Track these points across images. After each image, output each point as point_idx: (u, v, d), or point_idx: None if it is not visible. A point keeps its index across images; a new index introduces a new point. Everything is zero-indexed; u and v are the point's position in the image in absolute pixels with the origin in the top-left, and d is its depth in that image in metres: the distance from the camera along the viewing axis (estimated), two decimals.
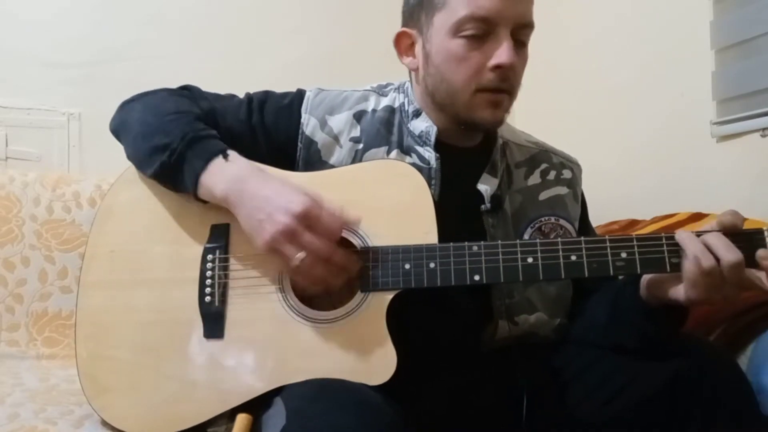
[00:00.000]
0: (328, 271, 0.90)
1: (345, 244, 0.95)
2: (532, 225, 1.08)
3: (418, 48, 1.05)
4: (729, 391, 0.89)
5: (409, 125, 1.07)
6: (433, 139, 1.04)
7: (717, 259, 0.83)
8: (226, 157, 0.96)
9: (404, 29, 1.07)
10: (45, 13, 1.92)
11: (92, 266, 1.03)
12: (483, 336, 1.05)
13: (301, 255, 0.87)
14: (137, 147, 1.03)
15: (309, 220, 0.88)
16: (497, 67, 0.97)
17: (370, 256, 0.93)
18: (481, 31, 0.98)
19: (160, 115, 1.01)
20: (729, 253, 0.82)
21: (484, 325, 1.05)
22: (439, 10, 1.00)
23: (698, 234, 0.86)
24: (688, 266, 0.84)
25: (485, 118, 1.01)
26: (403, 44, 1.08)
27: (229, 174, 0.95)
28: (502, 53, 0.97)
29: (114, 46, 1.97)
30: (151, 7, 2.02)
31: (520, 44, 1.00)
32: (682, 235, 0.86)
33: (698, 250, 0.84)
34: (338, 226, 0.90)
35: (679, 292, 0.87)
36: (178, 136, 0.97)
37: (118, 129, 1.09)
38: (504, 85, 0.99)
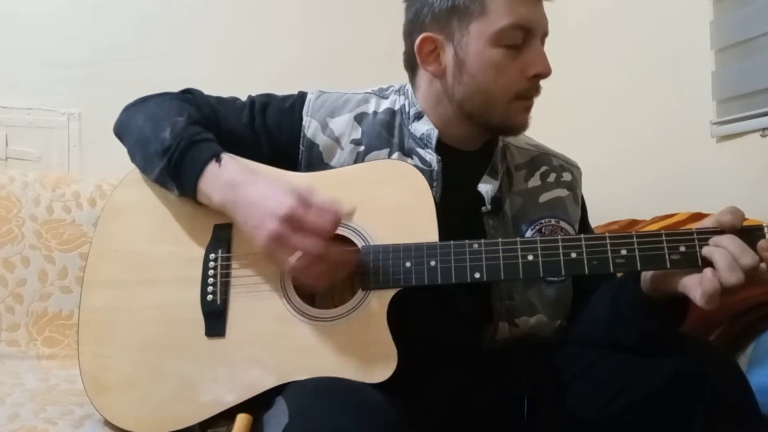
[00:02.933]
0: (326, 268, 0.89)
1: (346, 243, 0.95)
2: (532, 227, 1.09)
3: (446, 55, 1.03)
4: (729, 391, 0.89)
5: (410, 127, 1.07)
6: (434, 141, 1.04)
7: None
8: (219, 161, 0.96)
9: (429, 34, 1.03)
10: (45, 13, 1.92)
11: (96, 265, 1.03)
12: (483, 337, 1.05)
13: (294, 257, 0.87)
14: (138, 152, 1.04)
15: (296, 220, 0.87)
16: (536, 76, 1.01)
17: (371, 254, 0.93)
18: (520, 40, 1.00)
19: (159, 120, 1.02)
20: (746, 258, 0.82)
21: (484, 326, 1.05)
22: (476, 18, 0.99)
23: (701, 231, 0.86)
24: (708, 288, 0.82)
25: (522, 123, 1.04)
26: (425, 49, 1.04)
27: (222, 181, 0.95)
28: (541, 63, 1.01)
29: (114, 46, 1.97)
30: (151, 7, 2.02)
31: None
32: (715, 253, 0.84)
33: (732, 267, 0.81)
34: (330, 220, 0.88)
35: (685, 286, 0.86)
36: (174, 142, 0.97)
37: (120, 133, 1.09)
38: (537, 93, 1.03)
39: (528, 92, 1.02)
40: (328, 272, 0.90)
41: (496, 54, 0.99)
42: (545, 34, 1.03)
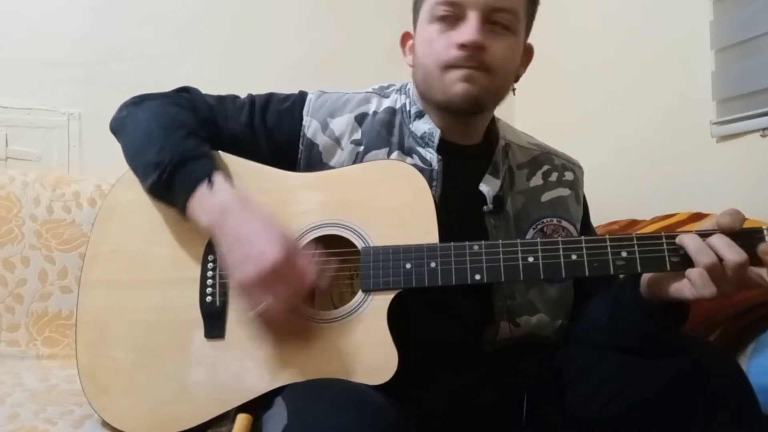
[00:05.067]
0: (284, 324, 0.90)
1: (346, 244, 0.95)
2: (534, 226, 1.09)
3: (413, 45, 1.09)
4: (729, 391, 0.89)
5: (410, 126, 1.07)
6: (436, 140, 1.05)
7: (720, 259, 0.83)
8: (211, 183, 0.94)
9: (408, 30, 1.11)
10: (45, 13, 1.92)
11: (93, 266, 1.03)
12: (484, 337, 1.05)
13: (261, 308, 0.87)
14: (131, 159, 1.04)
15: (278, 274, 0.86)
16: (462, 45, 0.99)
17: (371, 255, 0.93)
18: (450, 13, 1.00)
19: (154, 129, 1.01)
20: (732, 254, 0.82)
21: (486, 326, 1.05)
22: (422, 3, 1.05)
23: (699, 233, 0.86)
24: (696, 280, 0.83)
25: (457, 93, 1.00)
26: (406, 44, 1.12)
27: (211, 205, 0.94)
28: (466, 31, 0.99)
29: (114, 46, 1.97)
30: (151, 7, 2.02)
31: (499, 28, 1.01)
32: (684, 238, 0.86)
33: (701, 250, 0.84)
34: (308, 280, 0.88)
35: (679, 290, 0.87)
36: (167, 157, 0.96)
37: (115, 132, 1.09)
38: (472, 63, 1.00)
39: (457, 61, 0.99)
40: (288, 327, 0.91)
41: (431, 29, 1.03)
42: (496, 9, 1.00)
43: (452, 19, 1.01)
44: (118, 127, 1.08)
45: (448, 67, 1.00)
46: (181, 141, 0.99)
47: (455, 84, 1.00)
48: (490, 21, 1.00)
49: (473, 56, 0.99)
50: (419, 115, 1.07)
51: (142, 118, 1.04)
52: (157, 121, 1.02)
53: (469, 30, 0.99)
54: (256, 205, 0.94)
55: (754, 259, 0.83)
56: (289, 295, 0.87)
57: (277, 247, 0.87)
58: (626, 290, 0.97)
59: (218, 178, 0.96)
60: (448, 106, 1.03)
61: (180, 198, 0.96)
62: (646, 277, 0.93)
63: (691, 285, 0.84)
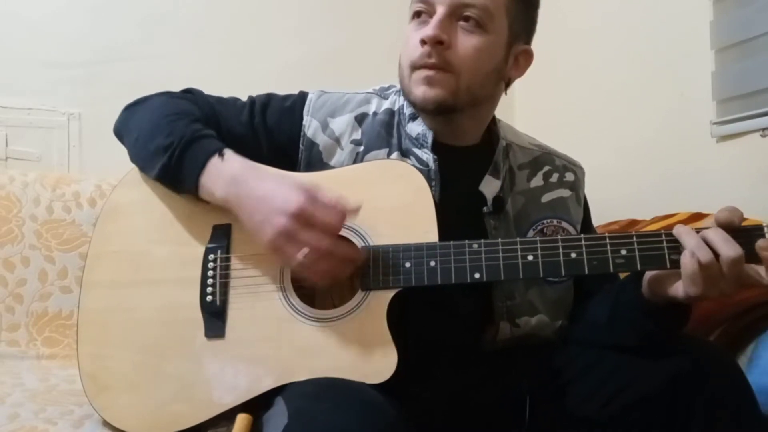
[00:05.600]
0: (333, 265, 0.89)
1: (346, 243, 0.95)
2: (534, 227, 1.09)
3: None
4: (729, 391, 0.89)
5: (406, 128, 1.07)
6: (430, 141, 1.04)
7: (716, 254, 0.83)
8: (222, 156, 0.96)
9: None
10: (45, 14, 1.92)
11: (95, 266, 1.03)
12: (484, 337, 1.05)
13: (302, 253, 0.87)
14: (138, 150, 1.04)
15: (305, 217, 0.88)
16: (423, 42, 0.98)
17: (370, 254, 0.93)
18: (423, 9, 1.01)
19: (160, 118, 1.02)
20: (728, 248, 0.82)
21: (486, 326, 1.05)
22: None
23: (698, 231, 0.86)
24: (685, 260, 0.84)
25: (417, 96, 1.01)
26: None
27: (225, 175, 0.94)
28: (426, 28, 0.98)
29: (114, 46, 1.97)
30: (151, 7, 2.02)
31: (473, 24, 0.99)
32: (680, 230, 0.86)
33: (695, 243, 0.84)
34: (337, 217, 0.89)
35: (678, 288, 0.87)
36: (176, 139, 0.97)
37: (120, 132, 1.10)
38: (431, 61, 0.99)
39: (420, 60, 0.99)
40: (334, 269, 0.90)
41: (409, 28, 1.04)
42: (459, 4, 0.98)
43: (426, 16, 1.01)
44: (122, 127, 1.09)
45: (415, 67, 1.01)
46: (188, 124, 1.00)
47: (418, 86, 1.01)
48: (460, 17, 0.99)
49: (434, 54, 0.98)
50: (413, 117, 1.07)
51: (148, 112, 1.05)
52: (163, 112, 1.03)
53: (430, 26, 0.98)
54: (268, 168, 0.96)
55: (753, 257, 0.83)
56: (322, 237, 0.87)
57: (296, 194, 0.88)
58: (627, 290, 0.97)
59: (228, 151, 0.97)
60: (414, 107, 1.04)
61: (191, 175, 0.96)
62: (647, 276, 0.93)
63: (685, 280, 0.84)
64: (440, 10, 0.99)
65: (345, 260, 0.90)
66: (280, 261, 0.93)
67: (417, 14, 1.02)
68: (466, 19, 0.99)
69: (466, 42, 0.99)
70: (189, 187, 0.97)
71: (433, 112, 1.02)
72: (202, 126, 1.01)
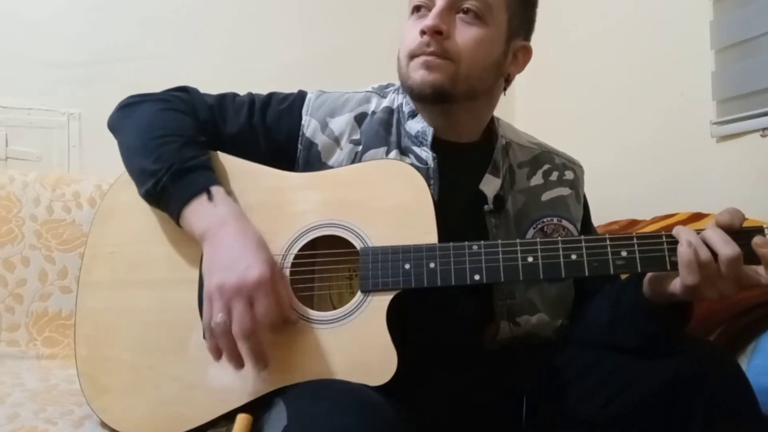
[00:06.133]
0: (232, 350, 0.87)
1: (345, 244, 0.95)
2: (534, 226, 1.09)
3: None
4: (729, 391, 0.89)
5: (405, 126, 1.07)
6: (429, 139, 1.04)
7: (714, 254, 0.83)
8: (210, 196, 0.94)
9: None
10: (45, 13, 1.92)
11: (92, 266, 1.03)
12: (484, 336, 1.05)
13: (218, 318, 0.86)
14: (127, 163, 1.03)
15: (254, 295, 0.86)
16: (422, 33, 1.00)
17: (369, 256, 0.93)
18: (421, 2, 1.03)
19: (149, 136, 1.00)
20: (726, 247, 0.82)
21: (486, 325, 1.05)
22: None
23: (698, 232, 0.86)
24: (681, 250, 0.84)
25: (416, 80, 1.01)
26: None
27: (210, 214, 0.93)
28: (425, 19, 1.00)
29: (114, 46, 1.97)
30: (151, 6, 2.02)
31: (472, 16, 1.01)
32: (679, 230, 0.86)
33: (693, 240, 0.84)
34: (278, 314, 0.88)
35: (676, 283, 0.87)
36: (164, 166, 0.95)
37: (113, 130, 1.09)
38: (430, 49, 1.00)
39: (419, 48, 1.01)
40: (233, 354, 0.88)
41: (408, 22, 1.05)
42: None
43: (425, 10, 1.02)
44: (115, 126, 1.09)
45: (413, 55, 1.02)
46: (178, 150, 0.98)
47: (416, 71, 1.01)
48: (460, 9, 1.01)
49: (433, 43, 1.00)
50: (413, 115, 1.07)
51: (139, 122, 1.04)
52: (154, 127, 1.01)
53: (430, 17, 1.00)
54: (253, 225, 0.94)
55: (752, 258, 0.83)
56: (250, 321, 0.86)
57: (267, 266, 0.88)
58: (628, 290, 0.97)
59: (217, 190, 0.95)
60: (412, 94, 1.05)
61: (175, 207, 0.95)
62: (647, 276, 0.93)
63: (682, 278, 0.84)
64: (440, 2, 1.01)
65: (254, 353, 0.88)
66: (206, 309, 0.90)
67: (416, 9, 1.04)
68: (466, 11, 1.01)
69: (465, 33, 1.01)
70: (172, 214, 0.97)
71: (431, 97, 1.02)
72: (195, 151, 0.99)
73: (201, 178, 0.96)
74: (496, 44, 1.04)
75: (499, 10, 1.02)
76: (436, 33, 0.99)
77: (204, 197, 0.94)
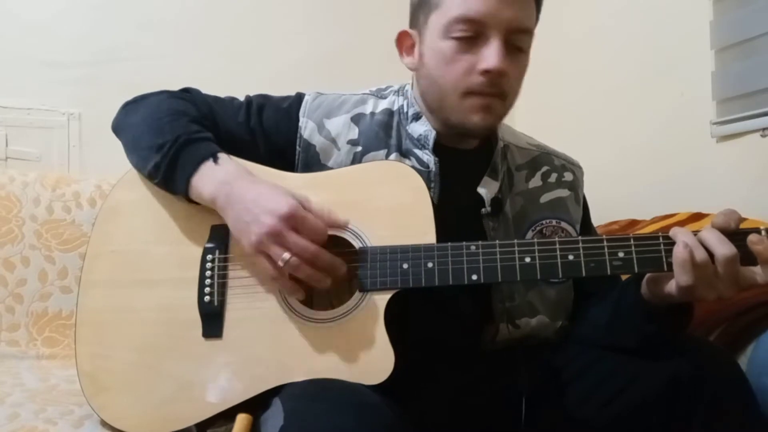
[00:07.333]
0: (313, 273, 0.89)
1: (343, 244, 0.95)
2: (533, 228, 1.08)
3: (416, 49, 1.05)
4: (729, 391, 0.89)
5: (407, 128, 1.07)
6: (431, 142, 1.04)
7: (711, 255, 0.82)
8: (216, 160, 0.96)
9: (406, 29, 1.07)
10: (45, 14, 1.92)
11: (93, 266, 1.03)
12: (483, 337, 1.05)
13: (286, 256, 0.87)
14: (133, 147, 1.04)
15: (294, 221, 0.88)
16: (486, 72, 0.96)
17: (368, 256, 0.93)
18: (471, 33, 0.96)
19: (157, 116, 1.02)
20: (722, 247, 0.82)
21: (485, 327, 1.05)
22: (434, 10, 1.00)
23: (695, 233, 0.86)
24: (677, 250, 0.84)
25: (476, 123, 0.99)
26: (404, 44, 1.07)
27: (217, 176, 0.95)
28: (490, 57, 0.95)
29: (114, 46, 1.97)
30: (152, 7, 2.02)
31: (516, 50, 0.98)
32: (676, 231, 0.86)
33: (689, 241, 0.83)
34: (324, 227, 0.90)
35: (672, 284, 0.86)
36: (171, 138, 0.97)
37: (117, 130, 1.10)
38: (493, 90, 0.97)
39: (478, 88, 0.97)
40: (314, 277, 0.90)
41: (447, 46, 0.98)
42: (518, 30, 0.97)
43: (471, 39, 0.96)
44: (119, 124, 1.09)
45: (470, 93, 0.98)
46: (185, 125, 1.00)
47: (474, 113, 0.98)
48: (509, 43, 0.97)
49: (494, 84, 0.97)
50: (416, 117, 1.07)
51: (145, 110, 1.05)
52: (160, 111, 1.03)
53: (492, 55, 0.95)
54: (263, 173, 0.97)
55: (749, 259, 0.83)
56: (308, 244, 0.88)
57: (288, 198, 0.90)
58: (628, 291, 0.97)
59: (223, 155, 0.97)
60: (460, 130, 1.02)
61: (183, 176, 0.96)
62: (646, 277, 0.92)
63: (677, 277, 0.84)
64: (497, 39, 0.95)
65: (326, 270, 0.90)
66: (264, 263, 0.92)
67: (463, 39, 0.97)
68: (512, 43, 0.97)
69: (516, 68, 0.99)
70: (180, 186, 0.97)
71: (479, 136, 1.04)
72: (199, 127, 1.01)
73: (208, 147, 0.98)
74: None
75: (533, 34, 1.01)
76: (500, 75, 0.96)
77: (210, 162, 0.96)
